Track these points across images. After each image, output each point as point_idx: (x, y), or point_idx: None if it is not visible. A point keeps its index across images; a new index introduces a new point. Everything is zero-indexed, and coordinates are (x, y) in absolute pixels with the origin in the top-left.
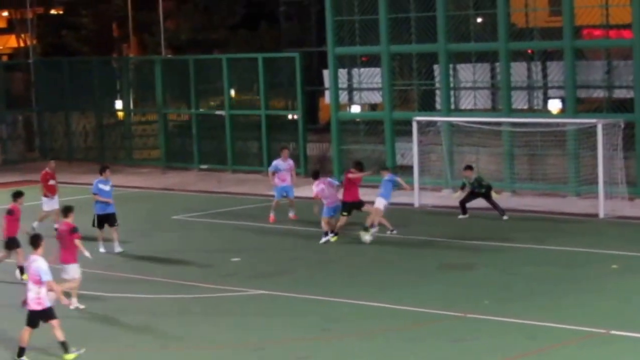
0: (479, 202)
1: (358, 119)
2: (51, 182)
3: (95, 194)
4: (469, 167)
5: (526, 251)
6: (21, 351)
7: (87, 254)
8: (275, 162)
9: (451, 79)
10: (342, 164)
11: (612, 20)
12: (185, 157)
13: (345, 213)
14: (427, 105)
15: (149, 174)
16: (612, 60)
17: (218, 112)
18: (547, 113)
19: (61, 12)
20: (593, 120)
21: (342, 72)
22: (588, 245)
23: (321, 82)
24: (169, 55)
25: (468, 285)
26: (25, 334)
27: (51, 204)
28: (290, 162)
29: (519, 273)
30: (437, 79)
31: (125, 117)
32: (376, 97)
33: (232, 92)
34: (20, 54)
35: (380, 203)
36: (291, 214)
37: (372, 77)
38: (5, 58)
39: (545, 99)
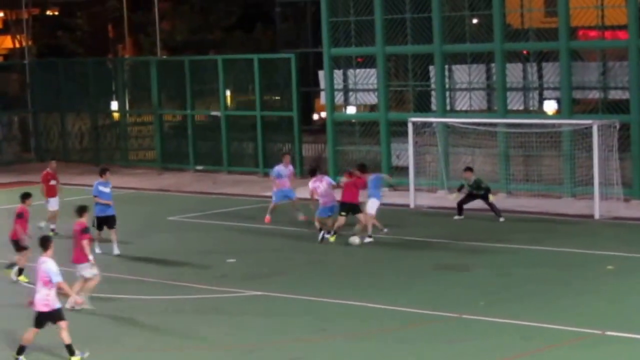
0: (475, 203)
1: (353, 120)
2: (52, 182)
3: (95, 196)
4: (468, 169)
5: (522, 252)
6: (21, 349)
7: (90, 257)
8: (277, 168)
9: (446, 79)
10: (338, 165)
11: (608, 21)
12: (180, 158)
13: (343, 213)
14: (423, 106)
15: (144, 175)
16: (607, 61)
17: (213, 113)
18: (543, 114)
19: (56, 13)
20: (588, 121)
21: (338, 73)
22: (583, 246)
23: (317, 83)
24: (165, 56)
25: (463, 286)
26: (30, 334)
27: (52, 204)
28: (291, 168)
29: (514, 274)
30: (433, 79)
31: (120, 118)
32: (371, 98)
33: (228, 93)
34: (16, 55)
35: (373, 207)
36: (301, 216)
37: (367, 78)
38: (0, 59)
39: (541, 99)
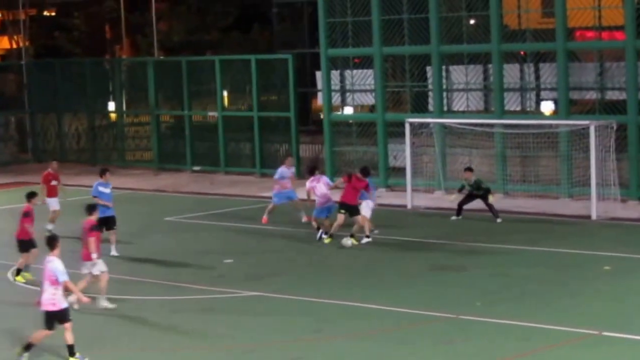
0: (472, 204)
1: (351, 121)
2: (53, 182)
3: (95, 196)
4: (469, 169)
5: (519, 253)
6: (28, 346)
7: (94, 256)
8: (280, 170)
9: (444, 80)
10: (335, 166)
11: (605, 22)
12: (177, 159)
13: (342, 211)
14: (420, 106)
15: (141, 175)
16: (604, 62)
17: (211, 114)
18: (540, 115)
19: (54, 13)
20: (586, 122)
21: (335, 74)
22: (581, 246)
23: (314, 84)
24: (162, 57)
25: (460, 286)
26: (40, 335)
27: (53, 205)
28: (293, 169)
29: (511, 274)
30: (430, 80)
31: (117, 118)
32: (369, 99)
33: (226, 94)
34: (13, 56)
35: (367, 209)
36: (304, 217)
37: (364, 78)
38: None
39: (538, 100)
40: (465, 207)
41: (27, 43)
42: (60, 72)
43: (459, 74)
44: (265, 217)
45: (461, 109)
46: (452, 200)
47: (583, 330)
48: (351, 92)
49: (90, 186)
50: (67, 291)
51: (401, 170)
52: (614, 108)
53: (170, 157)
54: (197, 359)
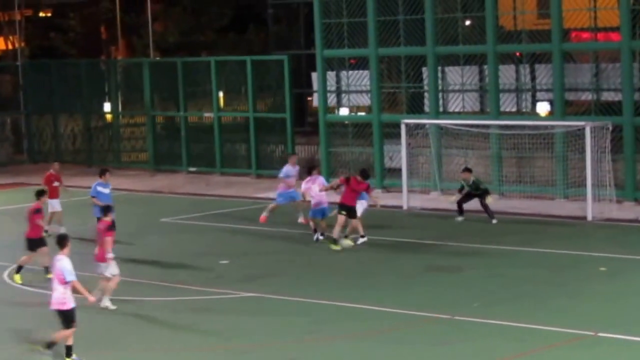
0: (468, 204)
1: (346, 122)
2: (55, 183)
3: (93, 196)
4: (467, 170)
5: (514, 254)
6: (69, 349)
7: (110, 256)
8: (285, 169)
9: (439, 81)
10: (330, 167)
11: (600, 23)
12: (173, 160)
13: (343, 212)
14: (416, 107)
15: (137, 176)
16: (600, 63)
17: (206, 114)
18: (536, 115)
19: (49, 14)
20: (581, 123)
21: (331, 75)
22: (576, 247)
23: (309, 85)
24: (157, 58)
25: (456, 287)
26: (67, 334)
27: (54, 206)
28: (297, 167)
29: (507, 275)
30: (426, 81)
31: (113, 119)
32: (364, 100)
33: (221, 94)
34: (9, 57)
35: (360, 208)
36: (301, 219)
37: (360, 79)
38: None
39: (534, 101)
40: (464, 207)
41: (22, 44)
42: (56, 73)
43: (454, 74)
44: (264, 216)
45: (457, 110)
46: (452, 201)
47: (579, 331)
48: (347, 93)
49: (86, 187)
50: (75, 293)
51: (397, 171)
52: (610, 109)
53: (166, 158)
54: (194, 359)
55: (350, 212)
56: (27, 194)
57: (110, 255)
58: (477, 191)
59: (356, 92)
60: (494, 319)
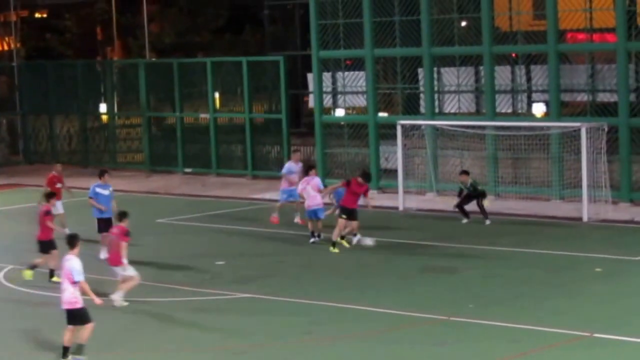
0: (466, 206)
1: (342, 123)
2: (57, 185)
3: (90, 197)
4: (464, 172)
5: (510, 255)
6: (79, 348)
7: (125, 261)
8: (287, 165)
9: (435, 82)
10: (326, 168)
11: (596, 24)
12: (169, 161)
13: (344, 216)
14: (411, 108)
15: (133, 177)
16: (595, 64)
17: (202, 115)
18: (531, 117)
19: (45, 15)
20: (577, 124)
21: (327, 76)
22: (572, 248)
23: (305, 86)
24: (153, 59)
25: (452, 288)
26: (86, 333)
27: (57, 208)
28: (300, 164)
29: (502, 276)
30: (421, 82)
31: (109, 120)
32: (360, 101)
33: (217, 95)
34: (4, 57)
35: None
36: (297, 219)
37: (356, 80)
38: None
39: (529, 102)
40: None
41: (18, 45)
42: (52, 73)
43: (450, 75)
44: (275, 216)
45: (453, 111)
46: (454, 207)
47: (575, 332)
48: (343, 94)
49: (84, 188)
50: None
51: (393, 172)
52: (605, 110)
53: (162, 159)
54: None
55: (351, 215)
56: (23, 195)
57: (125, 260)
58: (475, 192)
59: (352, 93)
60: (490, 319)
